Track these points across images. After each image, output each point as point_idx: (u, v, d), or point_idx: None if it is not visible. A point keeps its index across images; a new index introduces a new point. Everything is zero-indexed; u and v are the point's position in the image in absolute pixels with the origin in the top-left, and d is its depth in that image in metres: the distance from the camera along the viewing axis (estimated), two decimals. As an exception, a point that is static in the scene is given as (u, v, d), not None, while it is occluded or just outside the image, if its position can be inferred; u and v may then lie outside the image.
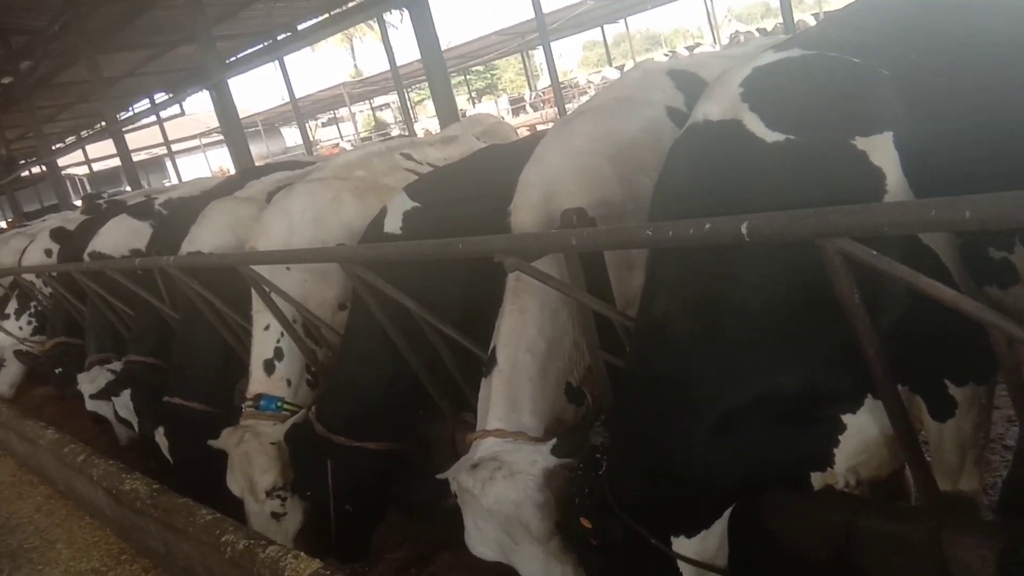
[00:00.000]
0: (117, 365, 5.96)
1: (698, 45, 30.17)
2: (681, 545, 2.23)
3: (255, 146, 40.85)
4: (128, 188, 29.78)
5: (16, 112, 19.43)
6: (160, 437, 4.84)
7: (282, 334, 4.19)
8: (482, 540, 2.60)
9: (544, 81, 38.67)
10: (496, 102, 37.49)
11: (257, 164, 10.41)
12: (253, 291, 4.23)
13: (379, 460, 3.69)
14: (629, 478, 2.25)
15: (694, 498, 2.22)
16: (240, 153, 9.30)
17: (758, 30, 29.47)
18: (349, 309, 3.97)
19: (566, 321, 2.84)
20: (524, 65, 36.72)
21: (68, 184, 35.61)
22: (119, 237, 6.39)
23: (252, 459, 4.01)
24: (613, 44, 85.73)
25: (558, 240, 2.35)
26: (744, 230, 1.84)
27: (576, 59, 72.64)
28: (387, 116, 54.38)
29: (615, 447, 2.34)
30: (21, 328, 8.07)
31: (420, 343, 3.51)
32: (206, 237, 4.97)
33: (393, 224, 3.72)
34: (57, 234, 7.95)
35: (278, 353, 4.18)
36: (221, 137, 51.17)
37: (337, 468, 3.63)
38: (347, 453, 3.62)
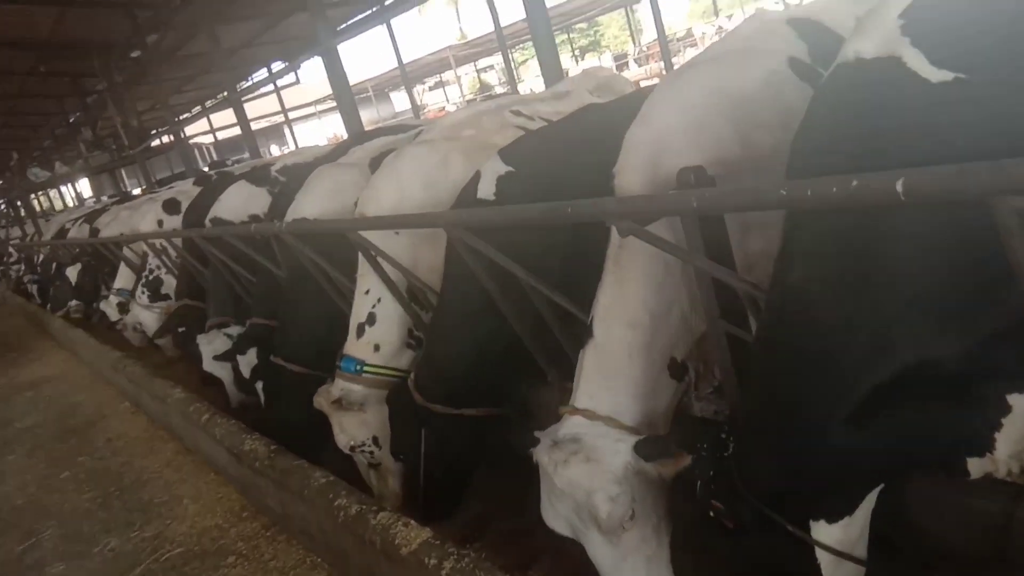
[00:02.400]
0: (234, 329, 6.07)
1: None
2: (820, 531, 2.00)
3: (366, 111, 41.41)
4: (248, 155, 30.70)
5: (145, 85, 20.18)
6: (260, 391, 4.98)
7: (379, 299, 4.10)
8: (554, 516, 2.49)
9: (648, 36, 37.61)
10: (600, 59, 36.70)
11: (367, 129, 10.44)
12: (360, 255, 4.15)
13: (475, 426, 3.58)
14: (762, 461, 2.02)
15: (836, 482, 1.97)
16: (351, 119, 9.29)
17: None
18: (443, 274, 3.83)
19: (673, 291, 2.57)
20: (628, 20, 35.67)
21: (196, 152, 37.12)
22: (238, 203, 6.46)
23: (330, 419, 4.04)
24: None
25: (677, 201, 2.10)
26: (900, 188, 1.55)
27: (683, 12, 70.38)
28: (491, 78, 54.19)
29: (746, 427, 2.11)
30: (139, 296, 8.39)
31: (522, 309, 3.35)
32: (309, 204, 4.92)
33: (486, 189, 3.55)
34: (168, 205, 8.26)
35: (371, 318, 4.09)
36: (335, 104, 52.33)
37: (432, 435, 3.54)
38: (443, 421, 3.53)
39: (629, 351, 2.45)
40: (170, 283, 8.16)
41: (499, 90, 42.85)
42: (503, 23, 18.35)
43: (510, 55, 42.42)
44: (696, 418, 2.69)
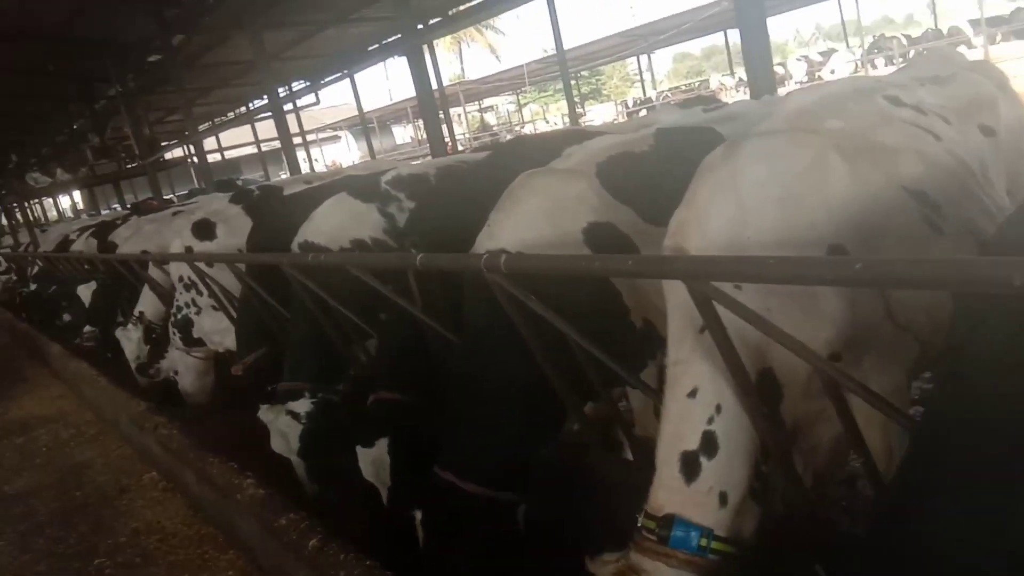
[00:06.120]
0: (302, 404, 4.21)
1: (833, 51, 27.34)
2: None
3: (365, 143, 39.61)
4: (246, 177, 28.62)
5: (160, 93, 18.23)
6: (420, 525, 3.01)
7: (717, 408, 2.19)
8: None
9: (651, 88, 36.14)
10: (616, 104, 35.32)
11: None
12: (676, 328, 2.27)
13: None
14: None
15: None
16: (432, 126, 7.49)
17: (904, 36, 26.56)
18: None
19: None
20: (639, 67, 34.18)
21: (192, 172, 34.77)
22: (337, 223, 4.52)
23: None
24: (703, 57, 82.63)
25: None
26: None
27: (665, 70, 69.78)
28: (491, 118, 52.89)
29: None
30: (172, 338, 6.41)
31: None
32: (513, 230, 3.04)
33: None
34: (200, 228, 5.95)
35: (708, 443, 2.16)
36: (333, 133, 50.23)
37: None
38: None
39: None
40: (202, 324, 6.17)
41: (501, 132, 41.19)
42: (521, 62, 16.75)
43: (517, 97, 41.09)
44: None
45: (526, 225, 3.03)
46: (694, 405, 2.19)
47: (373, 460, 3.42)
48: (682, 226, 2.27)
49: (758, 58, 4.77)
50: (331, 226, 4.51)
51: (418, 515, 3.00)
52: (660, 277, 2.18)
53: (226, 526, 4.33)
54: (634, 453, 2.97)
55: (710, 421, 2.17)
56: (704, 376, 2.19)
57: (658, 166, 3.21)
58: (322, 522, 3.45)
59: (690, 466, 2.14)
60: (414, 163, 6.05)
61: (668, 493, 2.16)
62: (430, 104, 7.47)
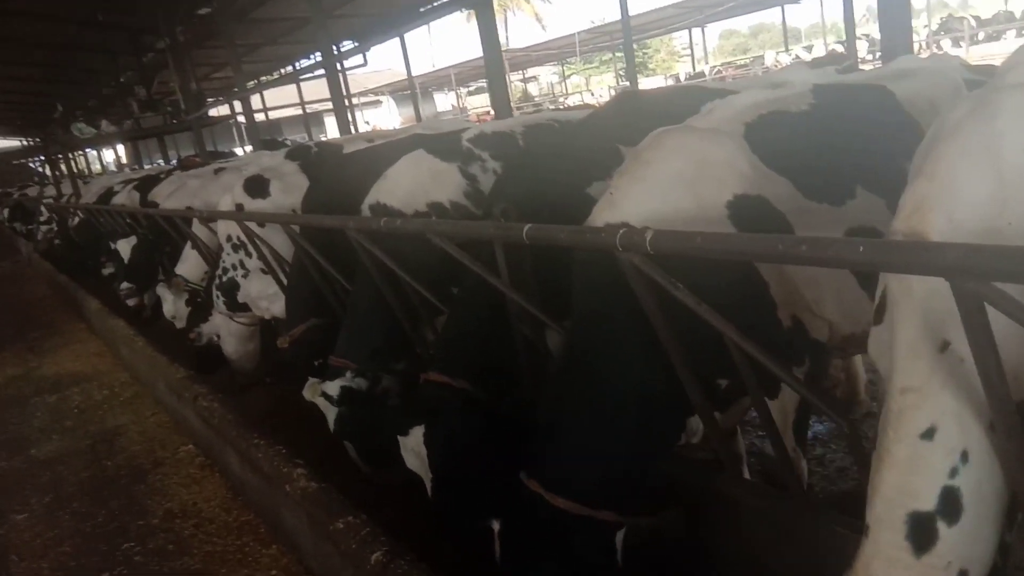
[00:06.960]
0: (335, 386, 3.73)
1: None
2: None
3: (407, 109, 39.06)
4: (291, 138, 28.22)
5: (207, 48, 17.77)
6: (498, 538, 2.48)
7: (964, 457, 1.57)
8: None
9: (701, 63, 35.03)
10: (666, 79, 34.23)
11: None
12: (906, 343, 1.66)
13: None
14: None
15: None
16: (498, 88, 6.89)
17: (972, 17, 25.26)
18: None
19: None
20: (689, 41, 33.03)
21: (234, 130, 34.36)
22: (414, 184, 3.95)
23: None
24: (750, 35, 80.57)
25: None
26: None
27: (711, 47, 67.97)
28: (532, 89, 51.97)
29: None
30: (216, 302, 5.95)
31: None
32: (641, 199, 2.45)
33: None
34: (252, 185, 5.40)
35: (950, 502, 1.53)
36: (375, 97, 49.64)
37: None
38: None
39: None
40: (249, 289, 5.65)
41: (543, 103, 40.32)
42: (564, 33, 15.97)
43: (562, 68, 40.16)
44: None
45: (659, 194, 2.44)
46: (932, 449, 1.58)
47: (412, 447, 2.90)
48: (921, 205, 1.65)
49: (895, 14, 4.11)
50: (407, 187, 3.94)
51: (496, 525, 2.46)
52: (915, 272, 1.56)
53: (270, 516, 3.83)
54: (785, 479, 2.38)
55: (953, 473, 1.57)
56: (946, 411, 1.58)
57: (821, 129, 2.61)
58: (384, 529, 2.91)
59: (923, 532, 1.55)
60: (496, 121, 5.42)
61: (890, 567, 1.58)
62: (497, 64, 6.83)
